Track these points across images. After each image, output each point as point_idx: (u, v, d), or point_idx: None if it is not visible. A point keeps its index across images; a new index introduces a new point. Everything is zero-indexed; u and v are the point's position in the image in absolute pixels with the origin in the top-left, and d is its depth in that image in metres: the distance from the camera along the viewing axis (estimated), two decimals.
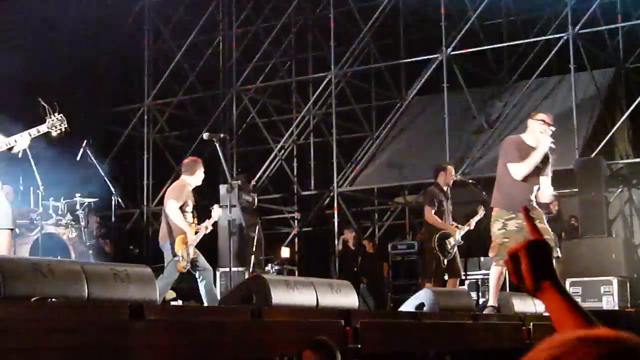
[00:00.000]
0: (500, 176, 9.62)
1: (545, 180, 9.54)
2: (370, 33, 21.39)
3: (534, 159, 9.25)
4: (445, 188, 12.52)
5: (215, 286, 12.61)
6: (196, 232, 10.83)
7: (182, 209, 10.77)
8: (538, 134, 9.36)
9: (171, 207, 10.76)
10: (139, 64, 22.87)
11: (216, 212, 11.09)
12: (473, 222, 12.50)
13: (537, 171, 9.42)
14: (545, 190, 9.56)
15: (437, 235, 12.16)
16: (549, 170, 9.57)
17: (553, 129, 9.42)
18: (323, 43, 22.21)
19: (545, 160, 9.45)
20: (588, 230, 15.34)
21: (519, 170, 9.29)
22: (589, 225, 15.38)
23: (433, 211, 12.26)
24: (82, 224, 12.56)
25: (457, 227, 12.34)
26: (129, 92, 23.08)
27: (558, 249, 9.39)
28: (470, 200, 15.04)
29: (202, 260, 10.88)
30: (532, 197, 9.37)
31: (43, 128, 7.47)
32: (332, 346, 5.07)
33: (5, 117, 7.69)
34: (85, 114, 17.97)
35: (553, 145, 9.32)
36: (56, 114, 7.47)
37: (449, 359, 8.33)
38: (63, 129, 7.57)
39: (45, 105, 7.52)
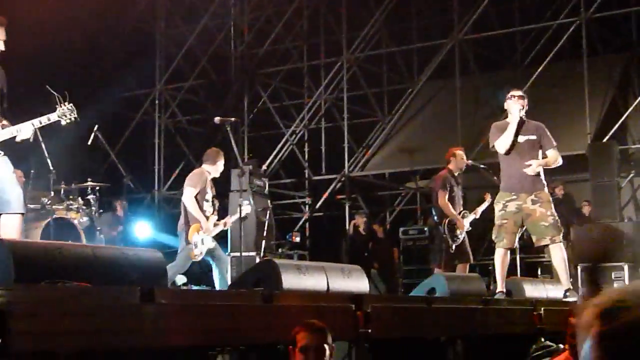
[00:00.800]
0: (499, 161, 9.71)
1: (548, 153, 9.62)
2: (382, 17, 21.34)
3: (510, 129, 9.38)
4: (456, 173, 12.51)
5: (227, 271, 12.63)
6: (215, 225, 10.84)
7: (199, 197, 10.77)
8: (513, 109, 9.49)
9: (187, 194, 10.78)
10: (151, 48, 22.88)
11: (245, 208, 11.07)
12: (479, 210, 12.50)
13: (530, 144, 9.50)
14: (550, 160, 9.63)
15: (447, 220, 12.15)
16: (541, 142, 9.65)
17: (523, 102, 9.57)
18: (335, 28, 22.16)
19: (536, 130, 9.55)
20: (600, 215, 15.31)
21: (500, 143, 9.43)
22: (601, 210, 15.35)
23: (446, 197, 12.23)
24: (94, 208, 12.58)
25: (464, 215, 12.33)
26: (141, 77, 23.09)
27: (561, 235, 9.35)
28: (482, 185, 15.03)
29: (219, 250, 10.90)
30: (531, 173, 9.39)
31: (53, 117, 7.46)
32: (324, 327, 5.10)
33: (14, 104, 7.70)
34: (96, 99, 17.98)
35: (523, 113, 9.44)
36: (66, 103, 7.45)
37: (460, 343, 8.31)
38: (73, 119, 7.56)
39: (55, 94, 7.51)
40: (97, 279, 4.98)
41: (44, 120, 7.48)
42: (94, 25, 18.92)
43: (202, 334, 5.21)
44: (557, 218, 9.44)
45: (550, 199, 9.61)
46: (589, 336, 1.43)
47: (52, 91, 7.53)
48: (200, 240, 10.64)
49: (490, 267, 15.26)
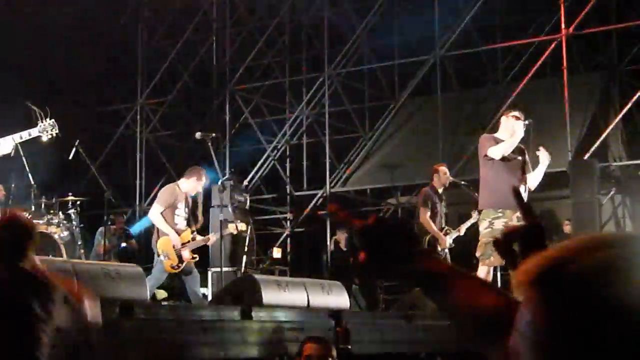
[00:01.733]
0: (483, 176, 9.72)
1: (531, 178, 9.71)
2: (364, 33, 21.38)
3: (514, 139, 9.48)
4: (439, 190, 12.54)
5: (207, 286, 12.61)
6: (193, 240, 10.87)
7: (169, 212, 10.84)
8: (512, 128, 9.56)
9: (152, 211, 11.04)
10: (133, 62, 22.85)
11: (212, 239, 11.19)
12: (463, 228, 12.53)
13: (517, 164, 9.56)
14: (533, 180, 9.75)
15: (428, 237, 12.16)
16: (524, 165, 9.75)
17: (526, 122, 9.68)
18: (317, 43, 22.19)
19: (521, 153, 9.64)
20: (580, 232, 15.34)
21: (498, 151, 9.48)
22: (581, 227, 15.38)
23: (428, 213, 12.24)
24: (74, 222, 12.53)
25: (447, 232, 12.36)
26: (122, 91, 23.05)
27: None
28: (463, 202, 15.05)
29: (190, 266, 10.92)
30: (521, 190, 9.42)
31: (34, 132, 7.45)
32: (328, 340, 5.25)
33: None
34: (77, 113, 17.93)
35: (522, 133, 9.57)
36: (48, 119, 7.44)
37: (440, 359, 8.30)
38: (54, 134, 7.55)
39: (36, 109, 7.49)
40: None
41: (24, 135, 7.46)
42: (76, 38, 18.86)
43: (181, 348, 5.19)
44: None
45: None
46: (528, 296, 1.34)
47: (32, 107, 7.52)
48: (174, 252, 10.67)
49: None
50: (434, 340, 7.98)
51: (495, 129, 18.43)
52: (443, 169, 12.76)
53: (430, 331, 8.00)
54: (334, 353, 5.18)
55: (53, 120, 7.43)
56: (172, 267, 10.65)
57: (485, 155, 9.71)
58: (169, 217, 10.83)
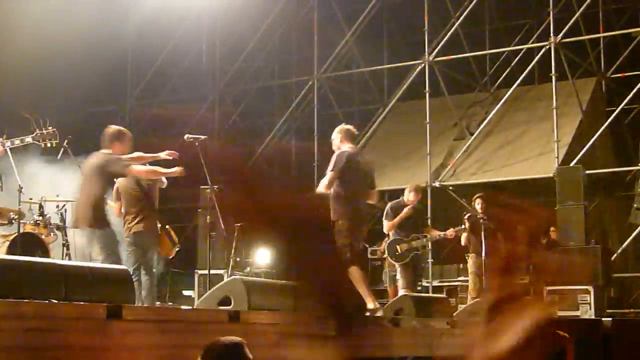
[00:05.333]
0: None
1: None
2: (354, 38, 21.41)
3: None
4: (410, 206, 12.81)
5: (194, 289, 12.64)
6: None
7: None
8: None
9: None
10: (122, 64, 22.83)
11: None
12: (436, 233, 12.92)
13: None
14: None
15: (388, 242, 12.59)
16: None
17: None
18: (306, 47, 22.20)
19: None
20: (567, 239, 15.39)
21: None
22: (567, 233, 15.44)
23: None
24: (62, 223, 12.49)
25: (413, 238, 12.58)
26: (112, 92, 23.03)
27: None
28: (449, 207, 15.12)
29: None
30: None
31: (27, 139, 7.49)
32: None
33: None
34: (66, 114, 17.90)
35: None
36: (48, 128, 7.47)
37: None
38: (53, 144, 7.62)
39: (31, 118, 7.52)
40: (64, 295, 4.97)
41: (16, 142, 7.50)
42: (65, 40, 18.82)
43: (169, 351, 5.21)
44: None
45: None
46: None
47: (27, 116, 7.56)
48: None
49: (457, 289, 15.37)
50: (421, 344, 8.01)
51: (481, 135, 18.57)
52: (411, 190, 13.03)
53: (418, 335, 8.03)
54: None
55: (53, 129, 7.45)
56: None
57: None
58: None
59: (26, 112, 7.75)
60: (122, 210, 11.40)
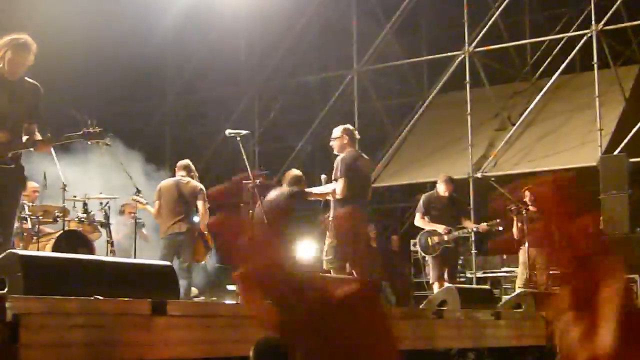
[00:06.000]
0: None
1: None
2: (392, 30, 21.34)
3: None
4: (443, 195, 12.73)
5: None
6: None
7: None
8: None
9: None
10: (161, 61, 22.93)
11: None
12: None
13: None
14: None
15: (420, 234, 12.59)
16: None
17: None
18: (345, 41, 22.15)
19: None
20: (611, 227, 15.26)
21: None
22: (612, 222, 15.30)
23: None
24: (105, 220, 12.57)
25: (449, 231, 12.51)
26: (151, 90, 23.15)
27: None
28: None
29: None
30: None
31: (75, 137, 7.55)
32: None
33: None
34: (107, 111, 18.02)
35: None
36: (95, 127, 7.53)
37: (472, 356, 8.30)
38: (101, 144, 7.70)
39: (81, 117, 7.59)
40: (109, 291, 4.99)
41: (63, 138, 7.57)
42: (107, 38, 18.93)
43: (213, 345, 5.22)
44: None
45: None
46: None
47: (77, 115, 7.63)
48: None
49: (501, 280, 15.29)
50: (465, 337, 7.97)
51: (522, 125, 18.45)
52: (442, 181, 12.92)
53: (462, 327, 7.99)
54: None
55: (100, 128, 7.51)
56: None
57: None
58: None
59: (74, 110, 7.80)
60: (160, 212, 11.72)
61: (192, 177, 12.26)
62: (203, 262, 12.10)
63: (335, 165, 10.40)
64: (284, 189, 10.64)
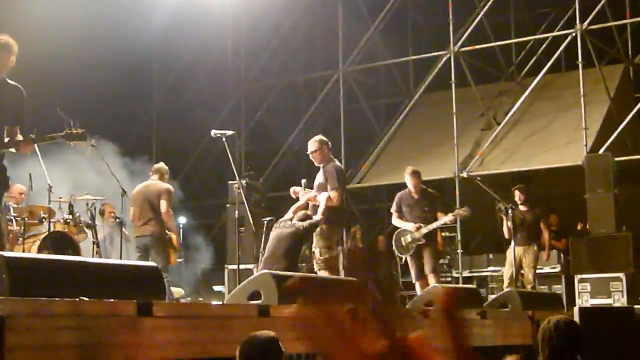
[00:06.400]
0: None
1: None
2: (378, 30, 21.37)
3: None
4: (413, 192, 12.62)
5: (224, 283, 12.71)
6: None
7: None
8: None
9: None
10: (147, 63, 22.89)
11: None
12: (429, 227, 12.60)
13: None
14: None
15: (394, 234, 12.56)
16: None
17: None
18: (331, 41, 22.16)
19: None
20: (597, 226, 15.31)
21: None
22: (598, 221, 15.35)
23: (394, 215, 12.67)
24: (91, 222, 12.57)
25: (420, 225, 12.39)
26: (137, 93, 23.10)
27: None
28: (478, 198, 15.03)
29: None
30: None
31: (59, 137, 7.52)
32: None
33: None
34: (92, 113, 17.99)
35: None
36: (77, 129, 7.50)
37: None
38: (82, 145, 7.68)
39: (64, 117, 7.56)
40: (95, 293, 4.98)
41: (44, 139, 7.53)
42: (92, 41, 18.90)
43: (199, 347, 5.21)
44: None
45: None
46: None
47: (62, 114, 7.60)
48: None
49: (487, 278, 15.31)
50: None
51: (508, 124, 18.48)
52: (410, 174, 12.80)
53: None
54: None
55: (82, 130, 7.48)
56: None
57: None
58: None
59: (59, 110, 7.79)
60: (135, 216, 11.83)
61: (163, 180, 12.26)
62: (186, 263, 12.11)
63: (326, 175, 10.67)
64: (297, 224, 10.65)
